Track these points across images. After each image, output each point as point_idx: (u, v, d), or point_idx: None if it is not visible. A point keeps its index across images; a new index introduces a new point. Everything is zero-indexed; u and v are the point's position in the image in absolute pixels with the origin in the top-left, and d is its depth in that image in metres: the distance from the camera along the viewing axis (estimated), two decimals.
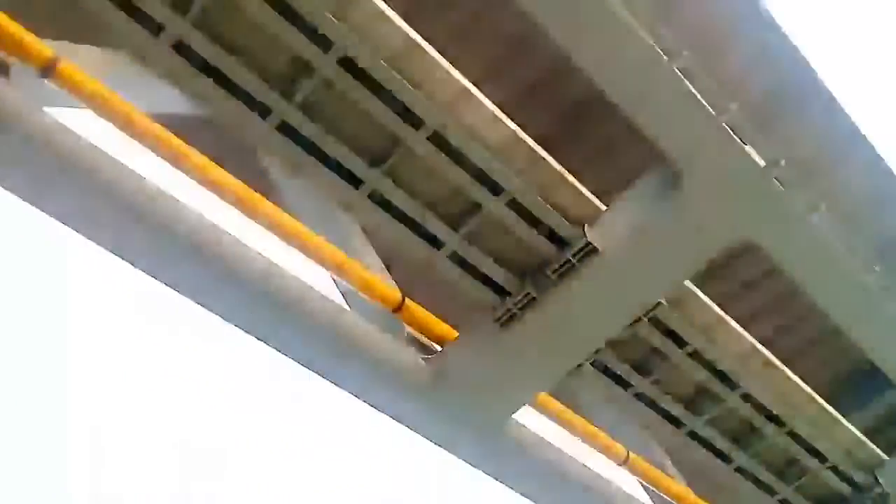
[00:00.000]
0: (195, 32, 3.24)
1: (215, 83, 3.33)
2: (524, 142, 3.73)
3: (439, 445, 4.56)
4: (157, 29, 3.23)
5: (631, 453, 5.32)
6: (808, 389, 4.99)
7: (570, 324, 4.07)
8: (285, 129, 3.46)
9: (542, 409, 4.89)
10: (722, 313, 4.59)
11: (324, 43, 3.24)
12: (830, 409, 5.13)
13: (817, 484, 5.40)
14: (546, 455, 4.80)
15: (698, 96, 3.51)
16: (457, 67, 3.52)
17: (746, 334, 4.67)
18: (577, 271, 3.87)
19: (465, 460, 4.67)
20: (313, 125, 3.46)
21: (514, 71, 3.85)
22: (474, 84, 3.58)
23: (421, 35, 3.41)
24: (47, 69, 2.98)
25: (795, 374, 4.90)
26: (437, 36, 3.48)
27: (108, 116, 3.15)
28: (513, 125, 3.71)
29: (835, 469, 5.28)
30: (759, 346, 4.71)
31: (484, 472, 4.80)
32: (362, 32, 3.27)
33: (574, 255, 3.84)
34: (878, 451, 5.45)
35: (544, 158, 3.81)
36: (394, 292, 4.28)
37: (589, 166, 4.03)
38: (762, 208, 3.88)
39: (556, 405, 4.94)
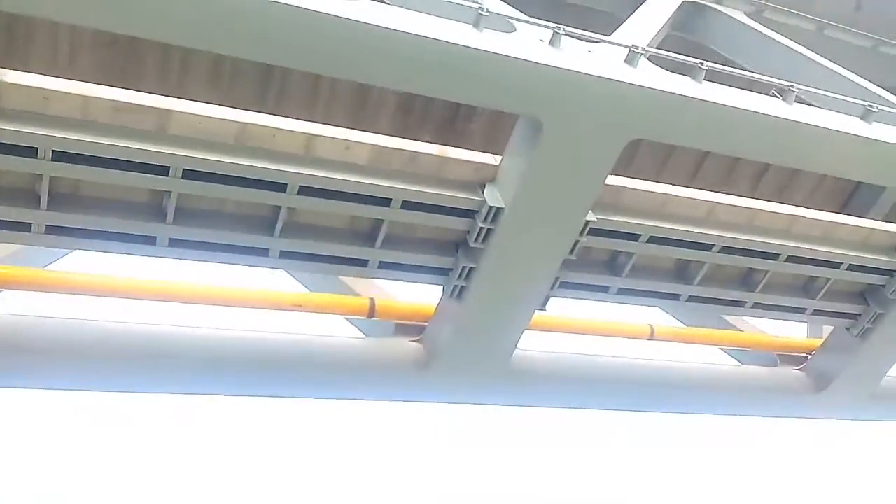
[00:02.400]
0: None
1: None
2: (385, 146, 3.95)
3: (458, 403, 5.07)
4: None
5: (654, 327, 5.64)
6: (784, 209, 5.01)
7: (514, 277, 4.37)
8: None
9: (552, 326, 5.29)
10: (666, 189, 4.68)
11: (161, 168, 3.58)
12: (819, 215, 5.13)
13: (843, 287, 5.45)
14: (565, 365, 5.22)
15: None
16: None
17: (697, 195, 4.74)
18: (495, 232, 4.14)
19: (488, 404, 5.17)
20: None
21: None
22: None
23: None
24: None
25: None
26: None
27: None
28: (368, 137, 3.93)
29: (854, 267, 5.29)
30: (714, 198, 4.78)
31: (512, 405, 5.29)
32: (189, 142, 3.58)
33: (485, 221, 4.10)
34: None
35: (414, 151, 4.02)
36: (360, 301, 4.73)
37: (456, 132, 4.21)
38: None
39: (560, 319, 5.32)
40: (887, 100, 4.96)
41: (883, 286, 5.42)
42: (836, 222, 5.22)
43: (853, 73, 5.32)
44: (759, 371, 6.11)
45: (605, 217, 4.42)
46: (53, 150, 3.36)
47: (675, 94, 3.88)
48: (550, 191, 4.07)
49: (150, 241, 3.77)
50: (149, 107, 3.51)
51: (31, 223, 3.57)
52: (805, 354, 6.12)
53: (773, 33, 5.50)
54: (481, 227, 4.12)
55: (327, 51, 3.28)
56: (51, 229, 3.61)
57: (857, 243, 5.32)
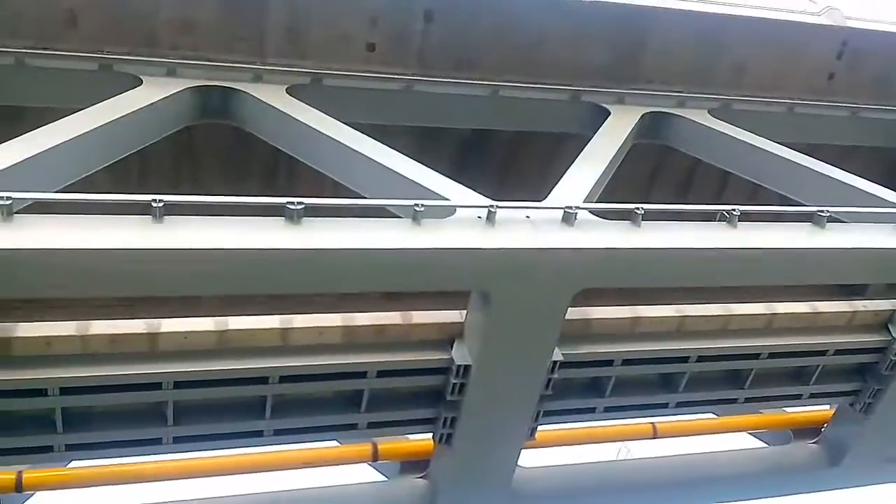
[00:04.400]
0: None
1: None
2: (354, 325, 4.35)
3: None
4: None
5: (657, 424, 5.84)
6: (759, 308, 5.18)
7: (495, 419, 4.69)
8: None
9: (553, 440, 5.56)
10: (633, 312, 4.94)
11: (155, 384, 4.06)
12: (797, 307, 5.28)
13: (838, 367, 5.55)
14: (570, 476, 5.48)
15: None
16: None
17: (665, 311, 4.98)
18: (468, 384, 4.48)
19: None
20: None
21: None
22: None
23: None
24: None
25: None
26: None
27: None
28: (338, 319, 4.34)
29: (842, 351, 5.40)
30: (683, 311, 5.00)
31: None
32: (177, 356, 4.06)
33: (456, 377, 4.45)
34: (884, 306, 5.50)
35: (381, 323, 4.41)
36: (363, 448, 5.12)
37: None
38: None
39: (562, 432, 5.59)
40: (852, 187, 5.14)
41: (876, 363, 5.51)
42: (817, 311, 5.36)
43: (816, 159, 5.50)
44: (773, 450, 6.23)
45: (573, 351, 4.71)
46: (60, 388, 3.88)
47: (609, 248, 4.15)
48: (511, 344, 4.38)
49: (156, 441, 4.26)
50: (139, 334, 4.00)
51: (52, 445, 4.09)
52: (819, 426, 6.21)
53: (738, 130, 5.64)
54: (454, 383, 4.47)
55: (271, 274, 3.69)
56: (70, 447, 4.13)
57: (843, 326, 5.45)
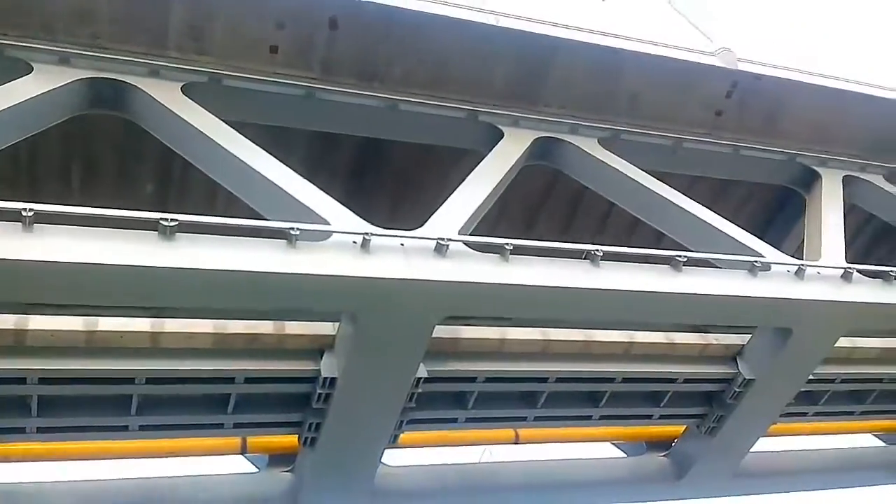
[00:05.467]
0: None
1: None
2: (225, 332, 4.52)
3: None
4: None
5: (519, 431, 6.20)
6: (618, 336, 5.55)
7: (358, 425, 4.96)
8: None
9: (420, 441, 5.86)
10: (500, 333, 5.24)
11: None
12: (653, 337, 5.67)
13: (685, 395, 6.00)
14: (432, 476, 5.80)
15: None
16: None
17: (531, 334, 5.30)
18: (335, 394, 4.72)
19: None
20: None
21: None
22: None
23: None
24: None
25: None
26: None
27: None
28: (209, 325, 4.50)
29: (691, 380, 5.84)
30: (547, 335, 5.33)
31: None
32: (44, 352, 4.15)
33: (322, 388, 4.68)
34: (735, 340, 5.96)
35: (254, 332, 4.59)
36: (232, 440, 5.30)
37: None
38: None
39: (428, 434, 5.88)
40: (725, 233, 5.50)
41: (723, 391, 5.97)
42: (673, 342, 5.77)
43: (694, 200, 5.82)
44: (627, 460, 6.69)
45: (439, 367, 4.99)
46: None
47: (474, 282, 4.41)
48: (377, 360, 4.63)
49: (20, 430, 4.37)
50: (5, 329, 4.07)
51: None
52: (671, 441, 6.69)
53: (622, 163, 5.88)
54: (320, 393, 4.70)
55: (141, 289, 3.82)
56: None
57: (695, 357, 5.88)
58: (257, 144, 4.72)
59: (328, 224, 4.32)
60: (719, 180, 7.16)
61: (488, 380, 5.22)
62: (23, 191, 5.80)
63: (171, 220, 3.82)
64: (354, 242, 4.28)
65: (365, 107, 5.64)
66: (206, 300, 4.07)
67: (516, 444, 6.18)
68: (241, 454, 5.34)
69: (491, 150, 5.60)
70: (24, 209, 3.57)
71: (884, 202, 6.80)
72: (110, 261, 3.64)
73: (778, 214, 7.31)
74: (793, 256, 5.64)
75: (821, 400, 6.56)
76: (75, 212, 3.71)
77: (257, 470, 5.53)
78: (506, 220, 6.45)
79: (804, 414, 6.65)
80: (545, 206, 7.10)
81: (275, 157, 4.68)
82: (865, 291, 5.55)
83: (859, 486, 7.62)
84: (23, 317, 4.14)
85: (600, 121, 6.24)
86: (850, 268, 5.55)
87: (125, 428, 4.55)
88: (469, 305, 4.56)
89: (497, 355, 5.24)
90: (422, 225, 4.62)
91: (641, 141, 6.41)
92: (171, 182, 6.01)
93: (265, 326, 4.64)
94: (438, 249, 4.43)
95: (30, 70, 4.67)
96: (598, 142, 6.07)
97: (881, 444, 7.66)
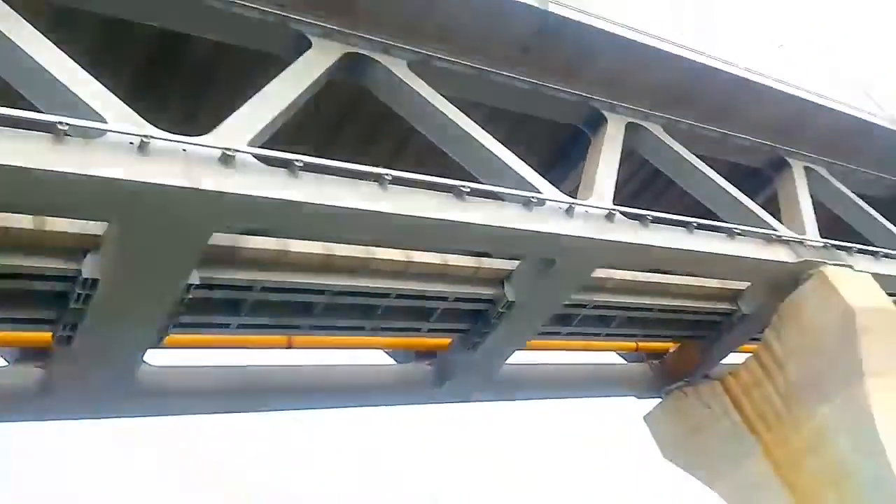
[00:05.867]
0: None
1: None
2: None
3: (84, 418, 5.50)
4: None
5: (293, 338, 6.27)
6: (397, 255, 5.71)
7: (119, 328, 4.79)
8: None
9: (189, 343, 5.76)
10: (282, 245, 5.21)
11: None
12: (430, 258, 5.90)
13: (453, 312, 6.36)
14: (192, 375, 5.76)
15: None
16: None
17: (312, 247, 5.32)
18: (95, 295, 4.49)
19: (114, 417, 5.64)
20: None
21: None
22: None
23: None
24: None
25: None
26: None
27: None
28: None
29: (461, 299, 6.19)
30: (330, 249, 5.38)
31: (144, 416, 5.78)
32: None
33: (83, 288, 4.44)
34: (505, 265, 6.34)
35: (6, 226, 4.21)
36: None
37: None
38: None
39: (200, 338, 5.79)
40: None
41: (487, 311, 6.38)
42: (447, 263, 6.04)
43: (491, 134, 5.94)
44: (394, 367, 7.02)
45: (212, 275, 4.90)
46: None
47: (257, 196, 4.29)
48: (144, 266, 4.45)
49: None
50: None
51: None
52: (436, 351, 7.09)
53: (427, 89, 5.79)
54: (80, 293, 4.45)
55: None
56: None
57: (467, 278, 6.21)
58: (40, 25, 4.19)
59: (104, 122, 3.98)
60: (518, 115, 7.35)
61: (265, 289, 5.20)
62: None
63: None
64: (131, 143, 4.01)
65: None
66: None
67: (289, 348, 6.25)
68: None
69: (297, 59, 5.36)
70: None
71: (658, 150, 7.37)
72: None
73: (568, 152, 7.68)
74: (569, 195, 6.02)
75: (573, 322, 7.21)
76: None
77: (6, 364, 5.18)
78: (304, 135, 6.24)
79: (557, 333, 7.29)
80: (346, 124, 6.96)
81: (57, 41, 4.18)
82: (623, 232, 6.08)
83: (602, 397, 8.57)
84: None
85: (413, 44, 6.09)
86: (613, 209, 6.04)
87: None
88: (249, 219, 4.47)
89: (276, 266, 5.21)
90: (209, 132, 4.40)
91: (449, 69, 6.36)
92: None
93: (23, 220, 4.26)
94: (224, 160, 4.26)
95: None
96: (408, 65, 5.96)
97: (623, 362, 8.60)
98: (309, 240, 5.33)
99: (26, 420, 5.29)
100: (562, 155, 7.72)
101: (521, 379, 7.42)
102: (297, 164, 4.49)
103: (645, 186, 8.65)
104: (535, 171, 5.91)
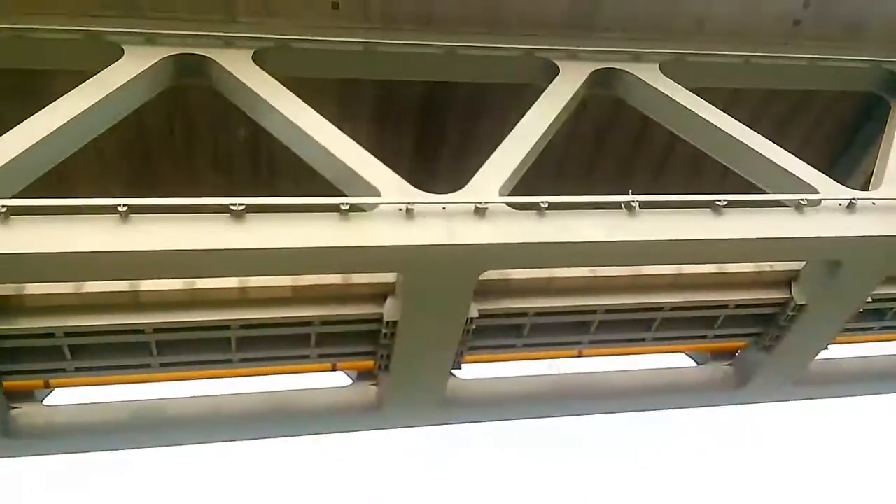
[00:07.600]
0: None
1: None
2: (300, 285, 5.28)
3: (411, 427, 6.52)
4: None
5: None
6: (666, 269, 5.85)
7: (421, 356, 5.67)
8: None
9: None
10: (547, 273, 5.70)
11: None
12: (704, 268, 5.92)
13: (738, 318, 6.28)
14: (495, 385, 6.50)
15: None
16: None
17: (576, 272, 5.73)
18: (398, 332, 5.43)
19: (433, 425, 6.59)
20: None
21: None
22: None
23: None
24: None
25: None
26: None
27: None
28: (289, 279, 5.27)
29: (742, 306, 6.11)
30: (593, 272, 5.74)
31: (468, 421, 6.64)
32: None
33: (387, 328, 5.42)
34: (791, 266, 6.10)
35: (323, 283, 5.33)
36: (323, 365, 6.17)
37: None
38: None
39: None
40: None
41: (776, 314, 6.20)
42: (724, 272, 6.01)
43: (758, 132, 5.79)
44: (691, 369, 7.08)
45: (489, 306, 5.58)
46: None
47: (511, 242, 4.85)
48: (429, 307, 5.26)
49: None
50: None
51: None
52: (734, 352, 7.00)
53: (683, 92, 5.85)
54: (384, 332, 5.44)
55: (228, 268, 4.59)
56: None
57: (748, 283, 6.11)
58: (326, 101, 5.19)
59: (378, 195, 4.82)
60: (784, 113, 6.92)
61: (538, 314, 5.75)
62: None
63: (239, 204, 4.49)
64: (400, 210, 4.79)
65: (423, 55, 5.88)
66: (275, 271, 4.83)
67: (579, 357, 6.70)
68: (333, 371, 6.18)
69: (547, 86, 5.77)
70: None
71: None
72: (191, 246, 4.40)
73: (853, 139, 7.05)
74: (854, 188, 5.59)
75: (886, 316, 6.63)
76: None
77: (351, 382, 6.38)
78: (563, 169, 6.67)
79: (871, 329, 6.76)
80: (608, 136, 7.18)
81: (343, 112, 5.15)
82: None
83: None
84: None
85: (664, 45, 6.11)
86: None
87: (229, 362, 5.53)
88: (505, 263, 5.04)
89: (546, 291, 5.73)
90: (465, 184, 5.04)
91: (708, 62, 6.30)
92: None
93: (333, 278, 5.35)
94: (478, 212, 4.87)
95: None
96: (660, 67, 6.02)
97: None
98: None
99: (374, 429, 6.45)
100: (844, 146, 7.09)
101: (830, 376, 7.00)
102: (542, 205, 4.94)
103: None
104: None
